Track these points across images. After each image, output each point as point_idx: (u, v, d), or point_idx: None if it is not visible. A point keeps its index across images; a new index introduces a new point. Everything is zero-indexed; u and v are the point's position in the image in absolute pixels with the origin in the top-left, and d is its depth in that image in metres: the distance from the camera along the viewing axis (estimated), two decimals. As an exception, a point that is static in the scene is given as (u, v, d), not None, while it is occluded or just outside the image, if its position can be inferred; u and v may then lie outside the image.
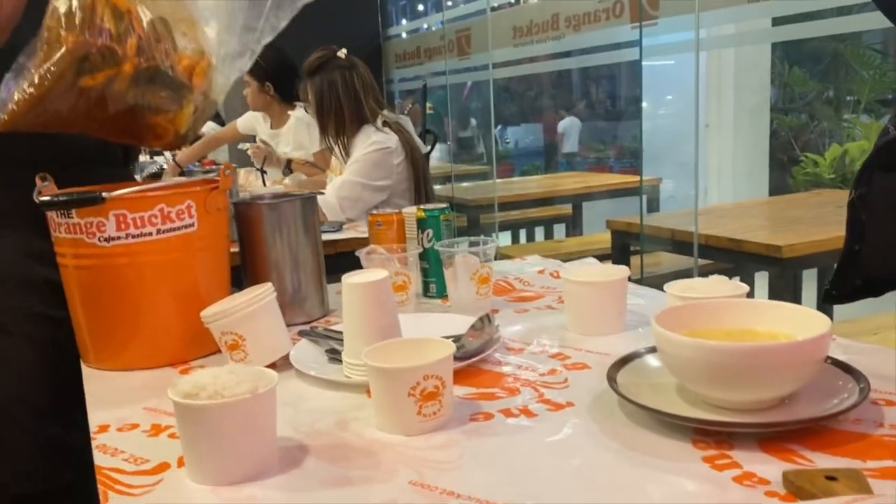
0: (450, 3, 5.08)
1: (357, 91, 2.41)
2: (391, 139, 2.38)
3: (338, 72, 2.41)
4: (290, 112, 3.36)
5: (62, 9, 0.92)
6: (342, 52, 2.47)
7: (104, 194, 0.99)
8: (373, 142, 2.37)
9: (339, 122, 2.42)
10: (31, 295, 1.14)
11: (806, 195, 4.26)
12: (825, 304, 1.03)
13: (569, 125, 7.25)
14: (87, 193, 0.99)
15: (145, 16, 0.97)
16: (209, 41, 1.03)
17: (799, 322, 0.79)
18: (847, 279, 0.96)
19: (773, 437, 0.72)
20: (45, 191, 1.02)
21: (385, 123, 2.42)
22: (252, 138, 3.54)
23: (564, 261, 1.61)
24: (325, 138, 2.47)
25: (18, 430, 1.12)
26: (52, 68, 0.91)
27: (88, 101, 0.95)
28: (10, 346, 1.13)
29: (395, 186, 2.40)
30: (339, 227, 2.28)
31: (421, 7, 7.13)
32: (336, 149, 2.48)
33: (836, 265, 0.96)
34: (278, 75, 3.34)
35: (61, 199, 1.00)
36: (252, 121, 3.54)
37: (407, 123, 2.54)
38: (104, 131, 1.04)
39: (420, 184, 2.44)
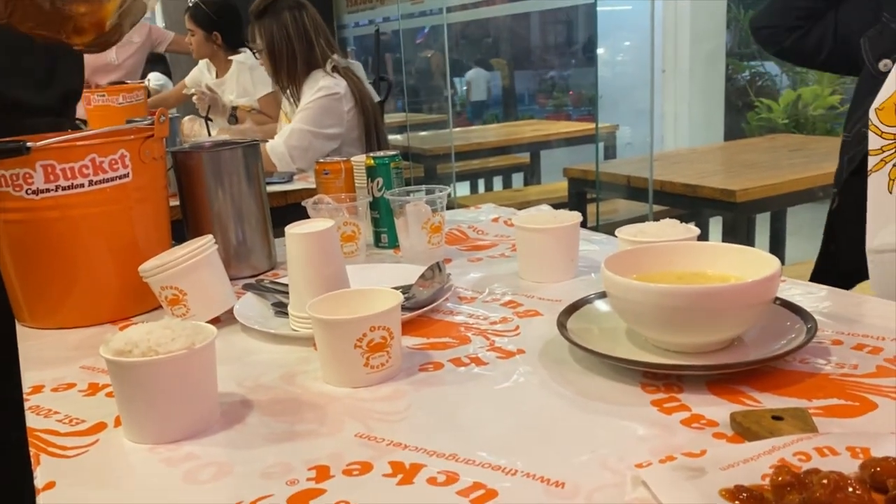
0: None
1: (308, 32, 2.32)
2: (339, 84, 2.31)
3: (287, 13, 2.32)
4: (231, 58, 3.25)
5: None
6: None
7: (29, 144, 0.93)
8: (320, 87, 2.29)
9: (292, 67, 2.34)
10: None
11: (760, 140, 4.30)
12: None
13: (474, 76, 7.55)
14: (10, 143, 0.93)
15: None
16: None
17: (749, 264, 0.78)
18: (827, 276, 1.03)
19: (722, 379, 0.71)
20: (-34, 141, 0.96)
21: (334, 69, 2.35)
22: None
23: (520, 209, 1.59)
24: (279, 84, 2.39)
25: None
26: None
27: None
28: None
29: (346, 134, 2.34)
30: (289, 177, 2.21)
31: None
32: (288, 94, 2.40)
33: (815, 262, 1.03)
34: (225, 23, 3.23)
35: (-18, 149, 0.94)
36: (197, 74, 3.43)
37: (358, 69, 2.46)
38: (21, 18, 0.95)
39: (371, 132, 2.37)
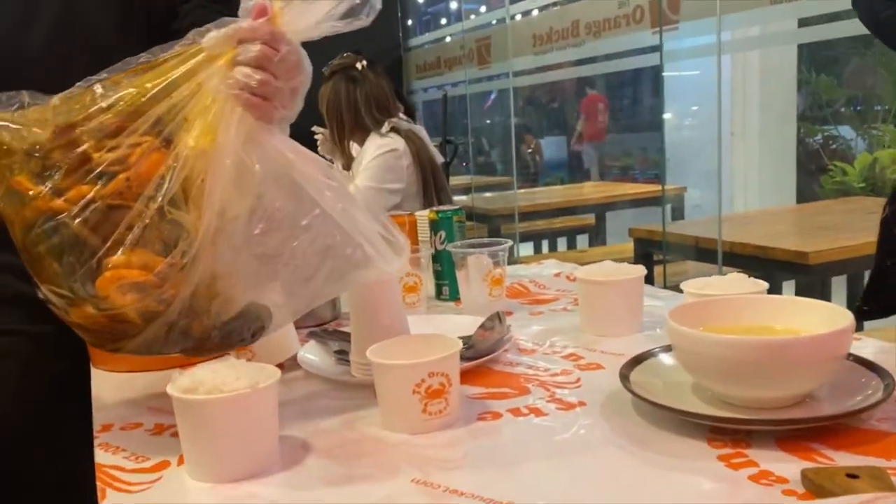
0: (472, 17, 5.09)
1: (357, 104, 2.49)
2: (397, 142, 2.45)
3: (343, 83, 2.50)
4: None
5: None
6: (360, 64, 2.50)
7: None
8: (378, 145, 2.43)
9: (340, 129, 2.52)
10: (8, 311, 1.12)
11: (834, 202, 4.18)
12: (858, 319, 1.00)
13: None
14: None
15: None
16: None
17: (820, 318, 0.75)
18: (880, 295, 0.94)
19: (792, 436, 0.68)
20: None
21: (394, 130, 2.46)
22: None
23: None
24: (332, 139, 2.55)
25: None
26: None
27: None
28: None
29: (407, 189, 2.43)
30: (357, 233, 2.27)
31: (444, 21, 7.16)
32: (339, 151, 2.55)
33: (866, 282, 0.94)
34: None
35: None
36: None
37: (420, 131, 2.56)
38: None
39: (430, 187, 2.49)
